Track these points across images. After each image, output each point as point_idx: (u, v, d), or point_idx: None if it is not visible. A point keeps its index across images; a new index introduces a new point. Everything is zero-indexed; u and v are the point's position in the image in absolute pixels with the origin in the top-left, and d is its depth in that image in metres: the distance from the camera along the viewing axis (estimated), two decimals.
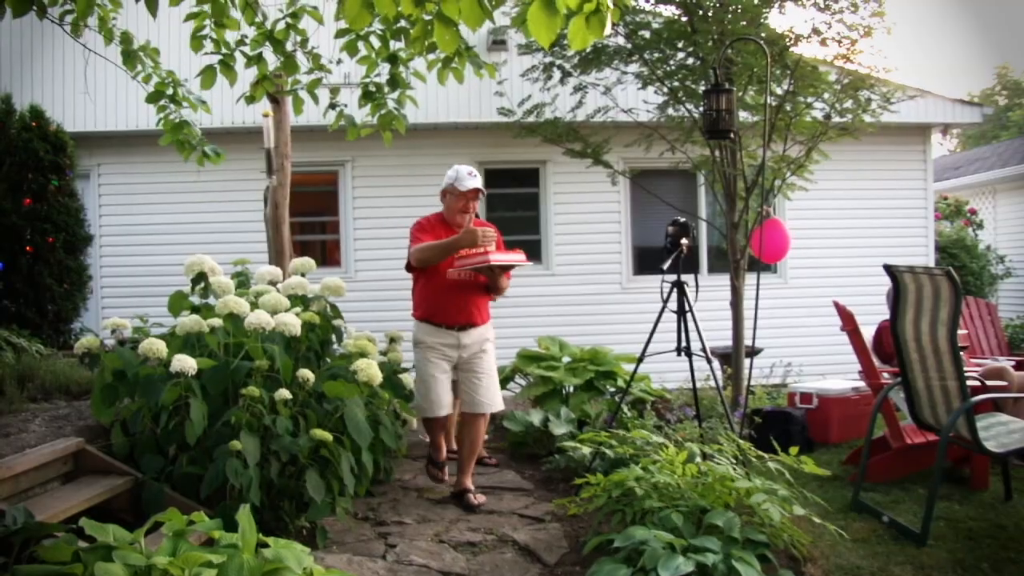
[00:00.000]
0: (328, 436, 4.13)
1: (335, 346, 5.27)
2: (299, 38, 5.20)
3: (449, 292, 5.05)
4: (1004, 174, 15.09)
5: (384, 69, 5.19)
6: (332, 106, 5.48)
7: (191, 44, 4.88)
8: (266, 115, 6.80)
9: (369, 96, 5.24)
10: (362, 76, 5.27)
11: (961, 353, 4.98)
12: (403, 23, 4.57)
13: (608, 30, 2.67)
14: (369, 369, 4.47)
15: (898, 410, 5.78)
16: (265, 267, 5.40)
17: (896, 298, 4.99)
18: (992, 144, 22.95)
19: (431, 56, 4.50)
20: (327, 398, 4.50)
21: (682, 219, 5.43)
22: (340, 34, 4.76)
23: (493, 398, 5.19)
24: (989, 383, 5.56)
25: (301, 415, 4.33)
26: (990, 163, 16.43)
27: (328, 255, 10.08)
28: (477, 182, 5.09)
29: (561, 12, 2.52)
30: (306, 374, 4.34)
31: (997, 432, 4.77)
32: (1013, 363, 6.52)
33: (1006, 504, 5.09)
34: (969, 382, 4.83)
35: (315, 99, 5.34)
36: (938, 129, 10.83)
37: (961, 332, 6.74)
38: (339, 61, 5.36)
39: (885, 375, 6.09)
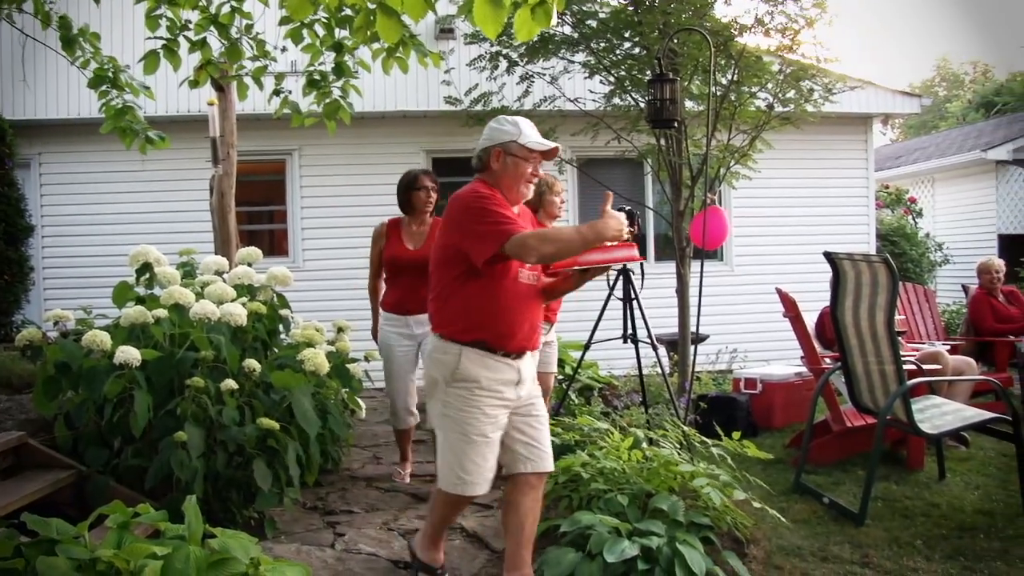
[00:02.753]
0: (275, 425, 4.12)
1: (282, 336, 5.25)
2: (244, 22, 5.14)
3: (519, 303, 3.42)
4: (942, 164, 15.46)
5: (329, 57, 5.15)
6: (276, 92, 5.43)
7: (146, 23, 4.77)
8: (211, 103, 6.73)
9: (314, 84, 5.20)
10: (306, 64, 5.23)
11: (899, 338, 5.11)
12: (348, 11, 4.55)
13: (554, 20, 2.69)
14: (316, 358, 4.47)
15: (839, 394, 5.92)
16: (211, 257, 5.36)
17: (836, 285, 5.10)
18: (931, 134, 23.43)
19: (376, 45, 4.48)
20: (274, 388, 4.49)
21: (627, 207, 5.48)
22: (284, 21, 4.71)
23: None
24: (925, 367, 5.72)
25: (248, 405, 4.32)
26: (929, 153, 16.80)
27: (276, 244, 10.00)
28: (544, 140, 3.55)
29: (507, 4, 2.54)
30: (252, 364, 4.32)
31: (932, 415, 4.91)
32: (948, 347, 6.70)
33: (940, 483, 5.26)
34: (906, 366, 4.97)
35: (260, 86, 5.29)
36: (879, 119, 11.03)
37: (899, 318, 6.93)
38: (284, 49, 5.32)
39: (827, 360, 6.22)
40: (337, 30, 4.89)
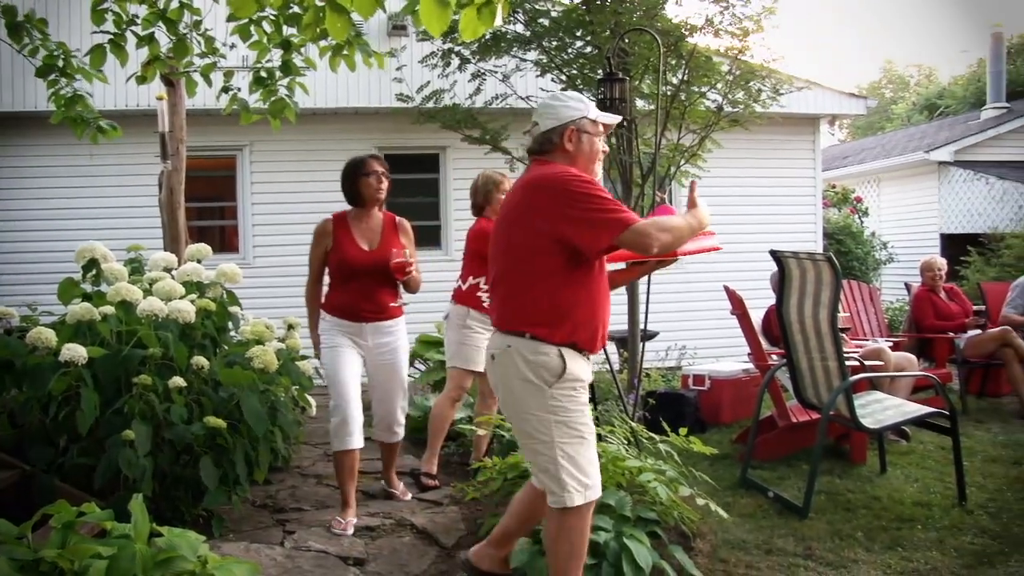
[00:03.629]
0: (223, 424, 4.10)
1: (232, 333, 5.21)
2: (193, 18, 5.10)
3: (606, 298, 3.24)
4: (887, 164, 15.81)
5: (276, 55, 5.12)
6: (225, 89, 5.39)
7: (92, 17, 4.70)
8: (160, 98, 6.66)
9: (260, 82, 5.17)
10: (253, 61, 5.19)
11: (843, 335, 5.23)
12: (296, 8, 4.54)
13: (499, 21, 2.72)
14: (265, 356, 4.45)
15: (785, 390, 6.03)
16: (160, 253, 5.31)
17: (781, 282, 5.20)
18: (877, 135, 23.89)
19: (323, 43, 4.47)
20: (223, 386, 4.47)
21: None
22: (232, 17, 4.66)
23: None
24: (867, 363, 5.85)
25: (196, 403, 4.29)
26: (875, 153, 17.15)
27: (226, 241, 9.93)
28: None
29: (452, 3, 2.56)
30: (201, 361, 4.29)
31: (873, 410, 5.03)
32: (891, 344, 6.86)
33: (881, 476, 5.39)
34: (849, 362, 5.09)
35: (208, 82, 5.26)
36: (826, 120, 11.23)
37: (844, 315, 7.08)
38: (232, 46, 5.29)
39: (773, 357, 6.34)
40: (285, 27, 4.88)
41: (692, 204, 3.19)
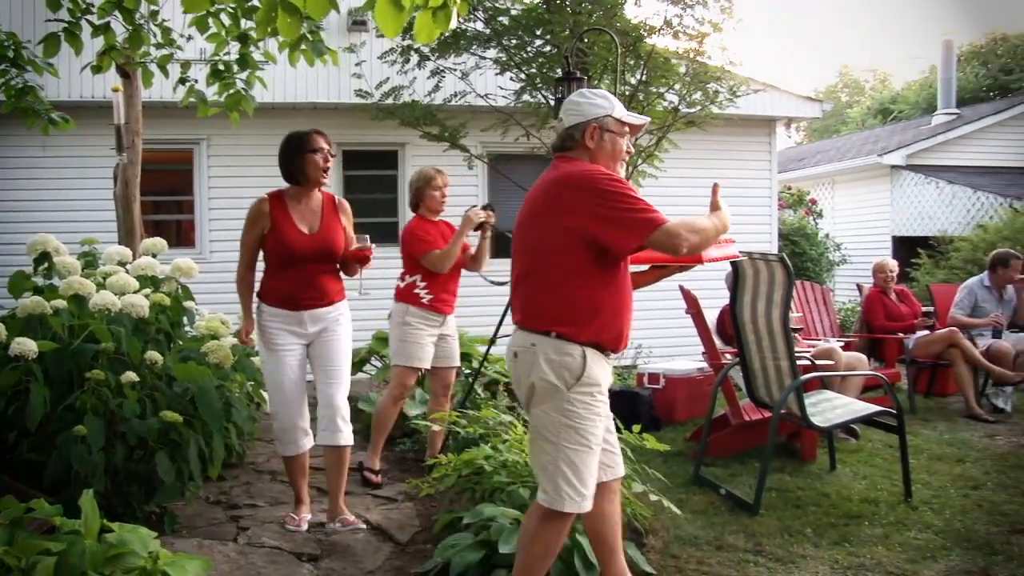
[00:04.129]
0: (178, 418, 4.08)
1: (187, 328, 5.18)
2: (150, 8, 5.05)
3: (629, 298, 3.20)
4: (842, 167, 16.07)
5: (235, 48, 5.08)
6: (182, 81, 5.33)
7: (47, 4, 4.63)
8: (116, 89, 6.59)
9: (218, 75, 5.12)
10: (211, 53, 5.14)
11: (795, 335, 5.32)
12: (255, 1, 4.51)
13: (454, 23, 2.73)
14: (220, 351, 4.44)
15: (739, 389, 6.11)
16: (114, 247, 5.26)
17: (735, 282, 5.27)
18: (833, 138, 24.25)
19: (281, 38, 4.44)
20: (178, 381, 4.44)
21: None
22: (189, 8, 4.60)
23: None
24: (818, 363, 5.95)
25: (150, 398, 4.26)
26: (830, 156, 17.42)
27: (183, 235, 9.83)
28: None
29: (407, 6, 2.57)
30: (155, 356, 4.27)
31: (823, 408, 5.12)
32: (842, 344, 6.97)
33: (831, 474, 5.49)
34: (800, 362, 5.18)
35: (165, 74, 5.20)
36: (782, 122, 11.37)
37: (796, 315, 7.19)
38: (189, 37, 5.23)
39: (727, 356, 6.42)
40: (243, 20, 4.84)
41: (716, 207, 3.19)
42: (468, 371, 6.35)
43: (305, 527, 4.28)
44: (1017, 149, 15.76)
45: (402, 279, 5.26)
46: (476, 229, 5.15)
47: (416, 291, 5.16)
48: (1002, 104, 17.68)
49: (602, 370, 3.03)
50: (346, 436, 4.31)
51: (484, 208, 5.30)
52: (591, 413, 2.99)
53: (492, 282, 5.70)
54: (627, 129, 3.17)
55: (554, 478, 2.97)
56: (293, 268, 4.16)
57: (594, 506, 3.15)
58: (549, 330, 2.98)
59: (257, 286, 4.32)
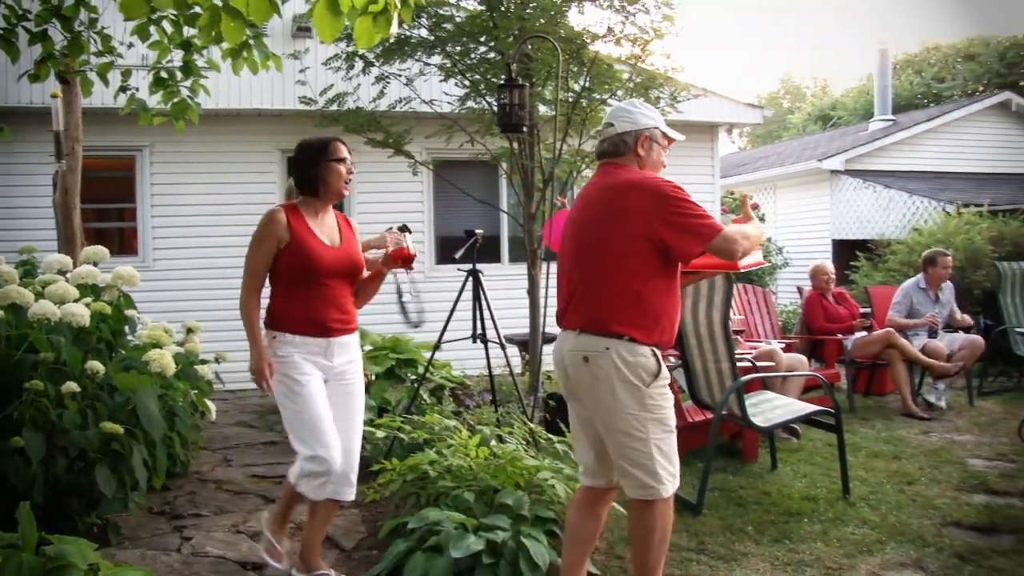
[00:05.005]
0: (119, 429, 4.04)
1: (129, 337, 5.13)
2: (89, 16, 4.99)
3: (680, 302, 3.35)
4: (783, 172, 16.37)
5: (178, 56, 5.04)
6: (123, 89, 5.27)
7: None
8: (55, 95, 6.48)
9: (161, 83, 5.07)
10: (154, 61, 5.09)
11: (737, 337, 5.41)
12: (198, 8, 4.48)
13: (395, 29, 2.76)
14: (162, 359, 4.40)
15: (681, 391, 6.19)
16: (53, 256, 5.17)
17: None
18: (775, 144, 24.66)
19: (224, 45, 4.41)
20: (119, 390, 4.39)
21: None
22: (126, 13, 4.54)
23: None
24: (759, 364, 6.06)
25: (91, 408, 4.20)
26: (771, 161, 17.73)
27: (126, 243, 9.70)
28: None
29: (345, 12, 2.60)
30: (96, 366, 4.21)
31: (764, 409, 5.22)
32: (783, 345, 7.11)
33: (772, 473, 5.59)
34: (741, 363, 5.28)
35: (105, 82, 5.15)
36: (724, 128, 11.55)
37: (738, 317, 7.31)
38: (130, 45, 5.19)
39: (670, 359, 6.50)
40: (186, 28, 4.81)
41: (748, 216, 3.39)
42: (414, 377, 6.37)
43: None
44: (949, 155, 16.23)
45: None
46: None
47: None
48: (935, 111, 18.18)
49: (665, 374, 3.18)
50: (353, 491, 3.75)
51: (400, 229, 4.74)
52: (668, 402, 3.18)
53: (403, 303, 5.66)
54: (666, 142, 3.35)
55: (653, 469, 3.13)
56: (316, 287, 3.63)
57: (590, 505, 3.41)
58: (623, 334, 3.09)
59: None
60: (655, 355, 3.13)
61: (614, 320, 3.10)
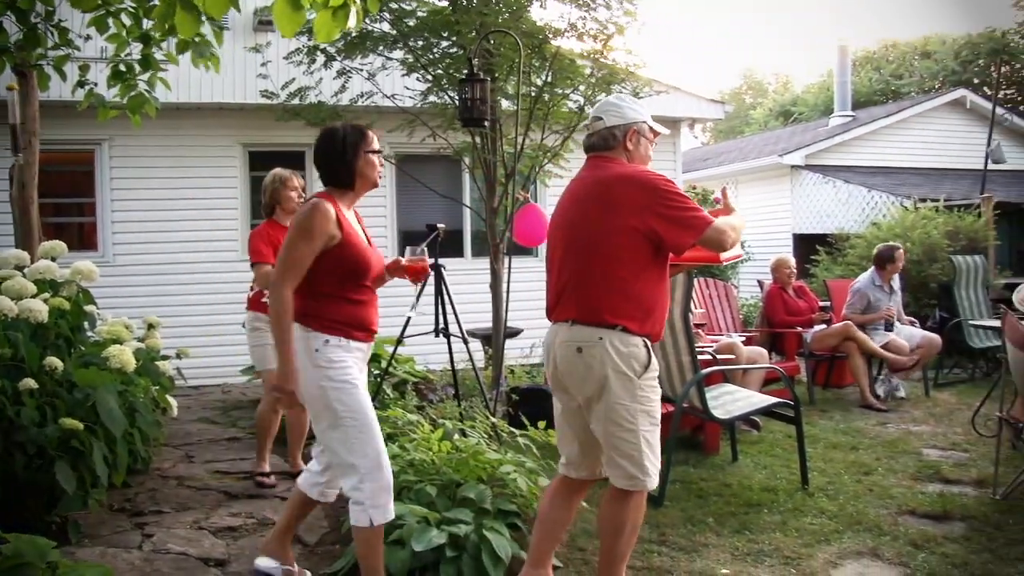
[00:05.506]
0: (79, 425, 4.00)
1: (88, 333, 5.07)
2: (46, 8, 4.91)
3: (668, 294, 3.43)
4: (744, 167, 16.53)
5: (136, 49, 4.97)
6: (80, 84, 5.20)
7: None
8: (11, 88, 6.39)
9: (119, 76, 4.99)
10: (112, 54, 5.02)
11: (698, 330, 5.47)
12: (156, 1, 4.42)
13: (353, 22, 2.76)
14: (122, 355, 4.37)
15: None
16: (10, 251, 5.11)
17: None
18: (736, 139, 24.87)
19: (183, 38, 4.36)
20: (79, 387, 4.35)
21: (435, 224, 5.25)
22: (75, 4, 4.45)
23: None
24: (720, 357, 6.13)
25: (50, 405, 4.17)
26: (733, 156, 17.90)
27: (85, 238, 9.58)
28: None
29: (306, 6, 2.60)
30: (54, 362, 4.17)
31: (724, 401, 5.29)
32: (744, 339, 7.19)
33: (733, 465, 5.66)
34: (702, 356, 5.33)
35: (63, 76, 5.07)
36: (686, 123, 11.62)
37: (699, 311, 7.38)
38: (88, 37, 5.11)
39: None
40: (145, 21, 4.75)
41: (729, 208, 3.47)
42: (377, 372, 6.37)
43: None
44: (907, 150, 16.48)
45: (251, 287, 5.10)
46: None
47: (264, 300, 4.66)
48: (893, 107, 18.45)
49: (655, 357, 3.24)
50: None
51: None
52: (656, 395, 3.25)
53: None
54: (653, 136, 3.40)
55: (640, 461, 3.19)
56: (362, 289, 3.37)
57: (564, 495, 3.46)
58: (616, 324, 3.13)
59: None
60: (646, 346, 3.18)
61: (607, 311, 3.14)
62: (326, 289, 3.25)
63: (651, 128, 3.38)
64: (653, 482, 3.23)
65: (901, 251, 8.34)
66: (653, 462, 3.22)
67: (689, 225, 3.12)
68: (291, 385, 3.18)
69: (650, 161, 3.39)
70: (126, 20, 4.81)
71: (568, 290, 3.26)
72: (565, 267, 3.29)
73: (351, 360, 3.27)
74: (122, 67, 4.96)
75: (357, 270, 3.30)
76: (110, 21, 4.71)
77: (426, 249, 3.76)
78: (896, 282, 8.40)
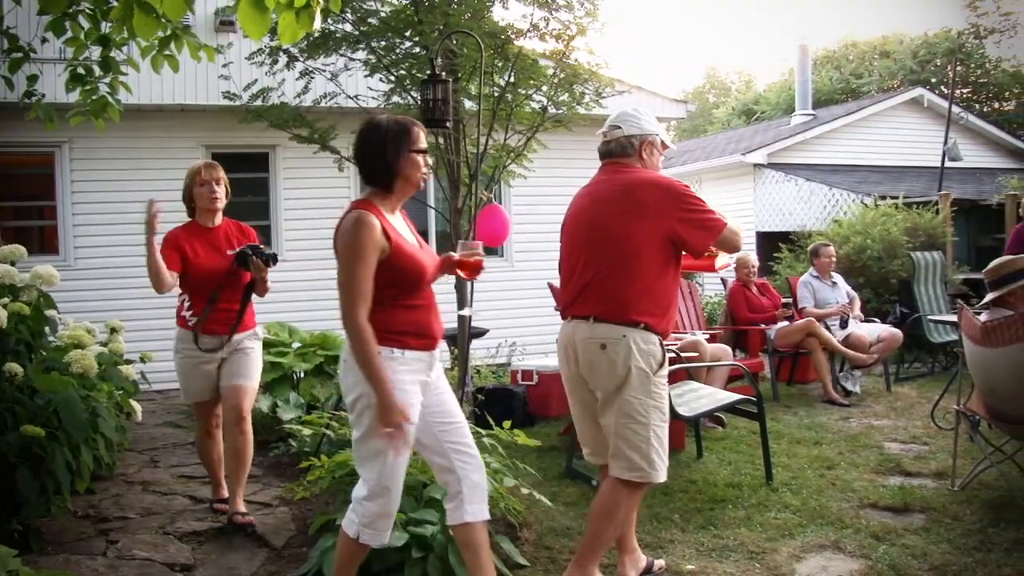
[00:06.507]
0: (40, 431, 3.96)
1: (50, 338, 5.02)
2: None
3: None
4: (708, 165, 16.67)
5: (96, 52, 4.88)
6: (28, 94, 5.03)
7: None
8: None
9: (79, 79, 4.89)
10: (71, 57, 4.93)
11: None
12: (115, 2, 4.36)
13: (318, 24, 2.77)
14: (84, 360, 4.34)
15: None
16: None
17: None
18: (699, 138, 25.06)
19: (143, 42, 4.28)
20: (40, 392, 4.30)
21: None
22: (43, 11, 4.37)
23: None
24: (684, 355, 6.18)
25: (10, 412, 4.12)
26: (696, 155, 18.04)
27: (46, 242, 9.46)
28: None
29: (271, 6, 2.60)
30: (14, 368, 4.13)
31: (689, 399, 5.33)
32: (708, 336, 7.24)
33: (698, 461, 5.72)
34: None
35: (10, 86, 4.96)
36: None
37: None
38: (44, 40, 5.01)
39: None
40: (104, 24, 4.67)
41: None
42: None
43: None
44: (867, 148, 16.70)
45: (180, 296, 4.57)
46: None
47: (183, 312, 4.46)
48: (853, 106, 18.69)
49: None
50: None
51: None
52: (666, 391, 3.45)
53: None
54: (662, 149, 3.59)
55: (648, 454, 3.35)
56: (418, 295, 3.13)
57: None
58: (638, 321, 3.32)
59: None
60: (661, 345, 3.38)
61: (632, 309, 3.32)
62: (376, 296, 2.98)
63: (663, 141, 3.57)
64: (661, 475, 3.40)
65: (830, 248, 8.64)
66: (661, 456, 3.38)
67: (709, 227, 3.34)
68: (400, 418, 2.91)
69: (659, 171, 3.57)
70: (84, 23, 4.73)
71: (590, 288, 3.42)
72: (588, 266, 3.43)
73: (405, 373, 3.00)
74: (81, 70, 4.87)
75: (411, 280, 3.06)
76: (67, 24, 4.63)
77: (480, 242, 3.50)
78: (839, 278, 8.65)
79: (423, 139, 3.12)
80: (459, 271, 3.39)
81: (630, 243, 3.33)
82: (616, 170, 3.51)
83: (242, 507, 4.43)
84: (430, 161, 3.20)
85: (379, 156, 3.05)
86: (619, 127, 3.53)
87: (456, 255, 3.38)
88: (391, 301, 3.01)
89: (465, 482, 3.16)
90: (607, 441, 3.48)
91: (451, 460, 3.17)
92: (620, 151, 3.53)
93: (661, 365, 3.38)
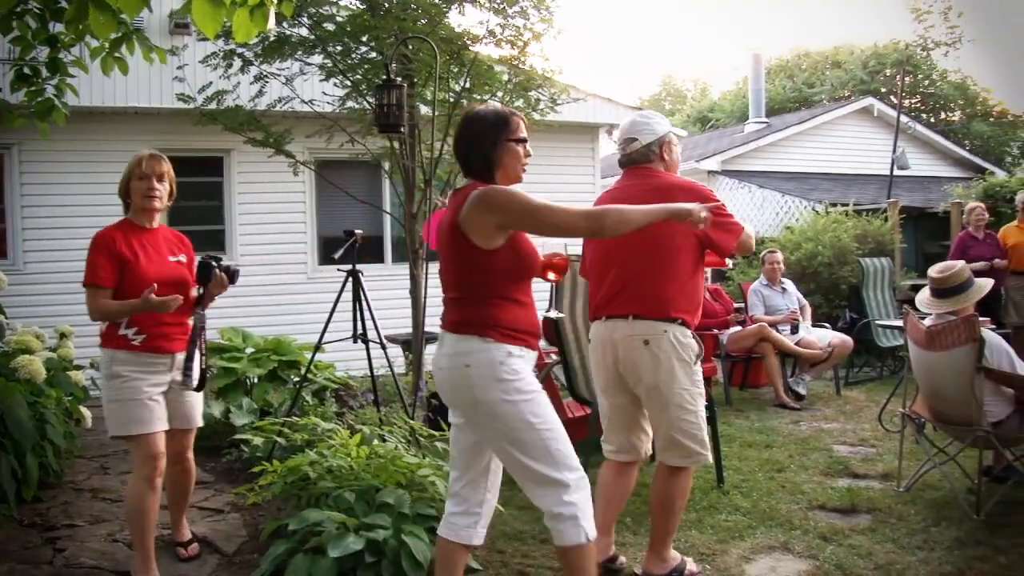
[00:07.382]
0: None
1: None
2: None
3: None
4: None
5: (44, 52, 4.79)
6: None
7: None
8: None
9: (24, 80, 4.79)
10: (17, 57, 4.83)
11: None
12: (64, 3, 4.29)
13: (272, 23, 2.77)
14: (31, 366, 4.29)
15: (562, 387, 6.30)
16: None
17: (556, 284, 5.46)
18: None
19: (95, 44, 4.21)
20: None
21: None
22: (3, 8, 4.26)
23: None
24: None
25: None
26: None
27: None
28: None
29: (227, 3, 2.59)
30: None
31: None
32: None
33: (650, 465, 5.70)
34: None
35: None
36: (605, 129, 11.77)
37: None
38: None
39: (552, 356, 6.62)
40: (53, 24, 4.59)
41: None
42: (296, 378, 6.33)
43: None
44: (818, 156, 16.98)
45: None
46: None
47: (121, 331, 3.74)
48: (805, 115, 18.98)
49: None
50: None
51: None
52: (702, 380, 3.72)
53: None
54: (678, 141, 3.83)
55: (702, 437, 3.68)
56: (528, 288, 3.04)
57: (625, 470, 3.98)
58: (677, 317, 3.57)
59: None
60: (695, 337, 3.63)
61: (672, 307, 3.56)
62: (500, 291, 2.90)
63: (676, 136, 3.81)
64: (709, 457, 3.76)
65: (775, 255, 8.81)
66: (705, 442, 3.71)
67: (733, 230, 3.61)
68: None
69: (679, 165, 3.86)
70: (31, 22, 4.64)
71: (630, 287, 3.64)
72: (626, 267, 3.65)
73: (529, 370, 2.95)
74: (27, 70, 4.78)
75: (530, 265, 2.97)
76: (14, 23, 4.54)
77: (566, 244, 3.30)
78: (790, 284, 8.77)
79: (523, 128, 3.04)
80: (549, 273, 3.21)
81: (669, 244, 3.57)
82: (643, 175, 3.73)
83: (187, 533, 4.17)
84: (530, 151, 3.11)
85: (477, 146, 2.99)
86: (635, 139, 3.75)
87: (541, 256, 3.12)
88: (510, 297, 2.92)
89: (487, 505, 3.10)
90: (632, 440, 3.87)
91: (492, 480, 3.13)
92: (642, 158, 3.75)
93: (698, 357, 3.63)
